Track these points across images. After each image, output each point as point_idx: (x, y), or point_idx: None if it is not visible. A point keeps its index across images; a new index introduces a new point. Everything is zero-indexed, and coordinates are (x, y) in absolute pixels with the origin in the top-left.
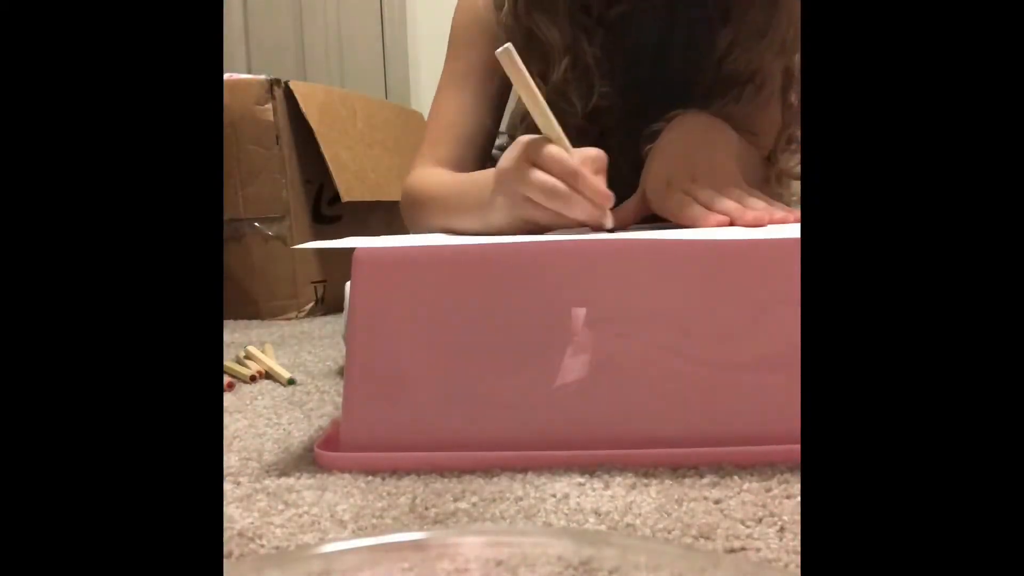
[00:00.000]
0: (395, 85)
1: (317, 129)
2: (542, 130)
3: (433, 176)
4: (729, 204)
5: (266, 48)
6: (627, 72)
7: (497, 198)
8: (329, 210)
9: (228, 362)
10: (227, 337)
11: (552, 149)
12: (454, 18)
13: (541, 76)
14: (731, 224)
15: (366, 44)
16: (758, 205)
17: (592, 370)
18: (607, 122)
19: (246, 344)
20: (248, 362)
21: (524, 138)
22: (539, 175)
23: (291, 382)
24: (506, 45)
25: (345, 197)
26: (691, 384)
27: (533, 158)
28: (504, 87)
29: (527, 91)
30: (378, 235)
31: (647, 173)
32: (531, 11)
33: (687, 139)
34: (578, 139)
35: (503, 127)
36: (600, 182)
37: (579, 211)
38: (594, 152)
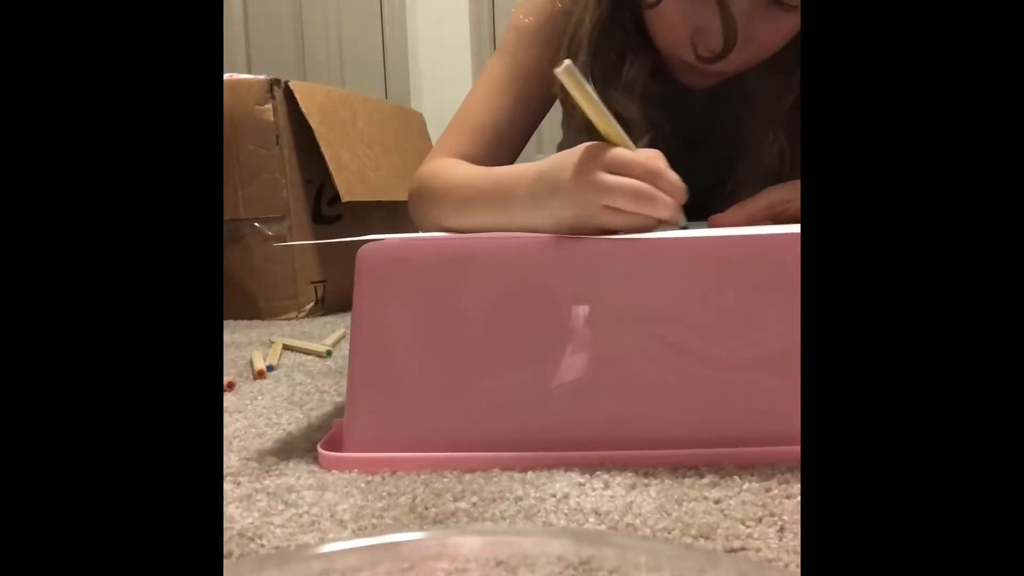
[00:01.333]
0: (395, 85)
1: (317, 129)
2: (609, 140)
3: (452, 166)
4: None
5: (266, 48)
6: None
7: (561, 206)
8: (329, 210)
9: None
10: (227, 337)
11: (626, 152)
12: (512, 19)
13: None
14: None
15: (366, 44)
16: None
17: (592, 370)
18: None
19: (246, 344)
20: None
21: (584, 146)
22: (623, 180)
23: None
24: (566, 63)
25: (345, 197)
26: (691, 384)
27: (606, 164)
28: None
29: (590, 105)
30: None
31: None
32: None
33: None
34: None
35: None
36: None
37: (664, 210)
38: (652, 152)
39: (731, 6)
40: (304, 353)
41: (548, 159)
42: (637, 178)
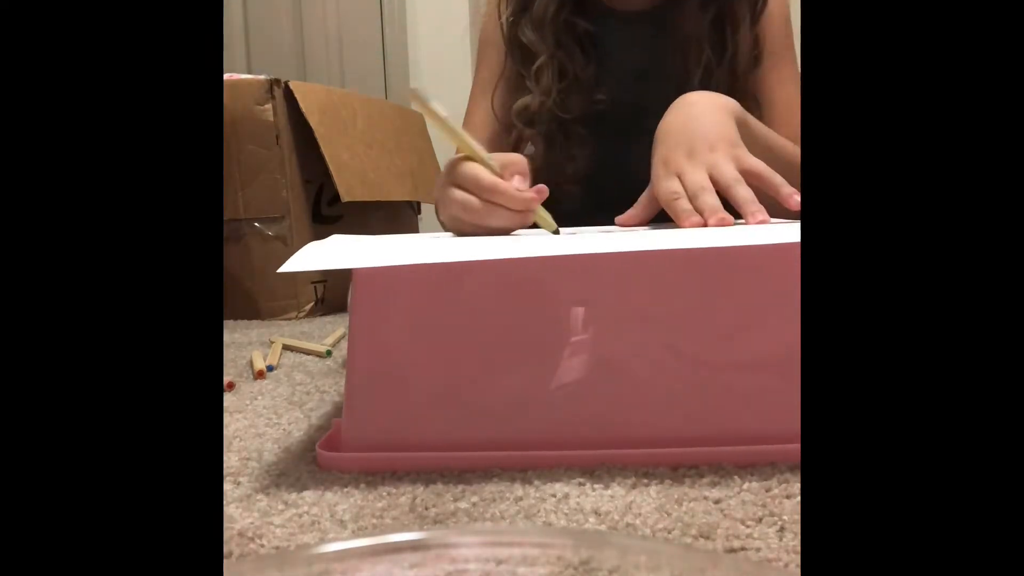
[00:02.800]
0: (395, 85)
1: (317, 129)
2: (471, 155)
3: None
4: (709, 201)
5: (266, 48)
6: (618, 84)
7: (440, 215)
8: (329, 210)
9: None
10: (227, 337)
11: (467, 168)
12: (481, 28)
13: (536, 82)
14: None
15: (366, 44)
16: (741, 196)
17: (592, 370)
18: (604, 130)
19: (246, 344)
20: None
21: (448, 163)
22: (457, 194)
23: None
24: (413, 87)
25: (345, 197)
26: (691, 384)
27: (453, 179)
28: (514, 91)
29: (439, 124)
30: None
31: (652, 159)
32: (521, 25)
33: (681, 114)
34: (578, 146)
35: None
36: (518, 187)
37: (496, 220)
38: (512, 157)
39: None
40: (304, 353)
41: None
42: (472, 193)
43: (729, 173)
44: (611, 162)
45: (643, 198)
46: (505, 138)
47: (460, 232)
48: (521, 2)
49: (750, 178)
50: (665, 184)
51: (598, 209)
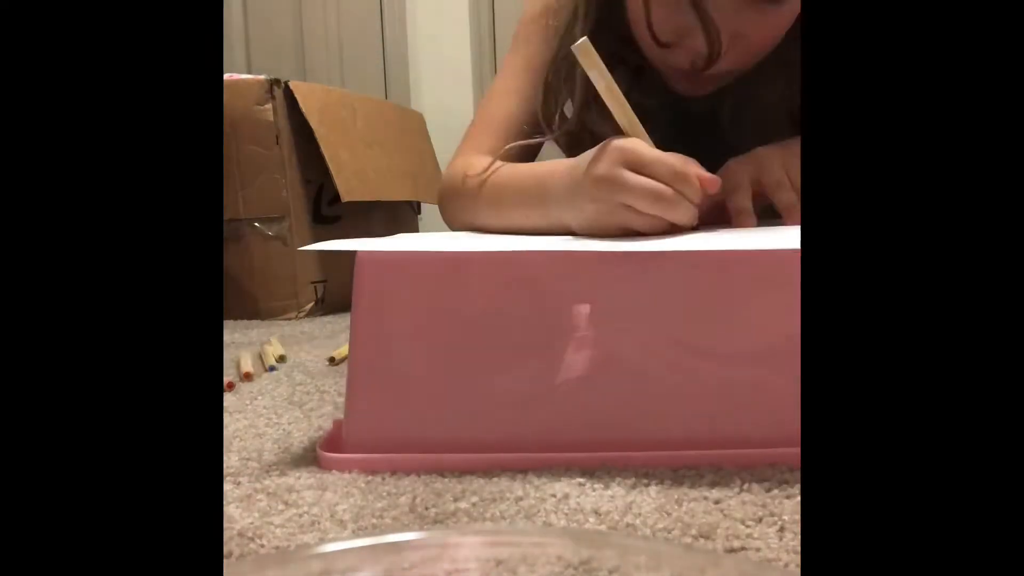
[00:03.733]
0: (395, 85)
1: (317, 129)
2: (626, 130)
3: (484, 164)
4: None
5: (266, 48)
6: (681, 133)
7: (583, 202)
8: (329, 210)
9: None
10: (227, 337)
11: (655, 152)
12: (523, 12)
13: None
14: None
15: (366, 44)
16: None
17: (592, 371)
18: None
19: (246, 344)
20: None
21: (614, 142)
22: (644, 181)
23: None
24: (582, 39)
25: (345, 197)
26: (691, 386)
27: (631, 162)
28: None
29: (607, 87)
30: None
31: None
32: (589, 116)
33: (763, 150)
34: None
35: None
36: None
37: (683, 214)
38: (677, 156)
39: (708, 7)
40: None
41: (582, 155)
42: (660, 179)
43: (775, 174)
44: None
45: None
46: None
47: (621, 224)
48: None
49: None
50: (736, 166)
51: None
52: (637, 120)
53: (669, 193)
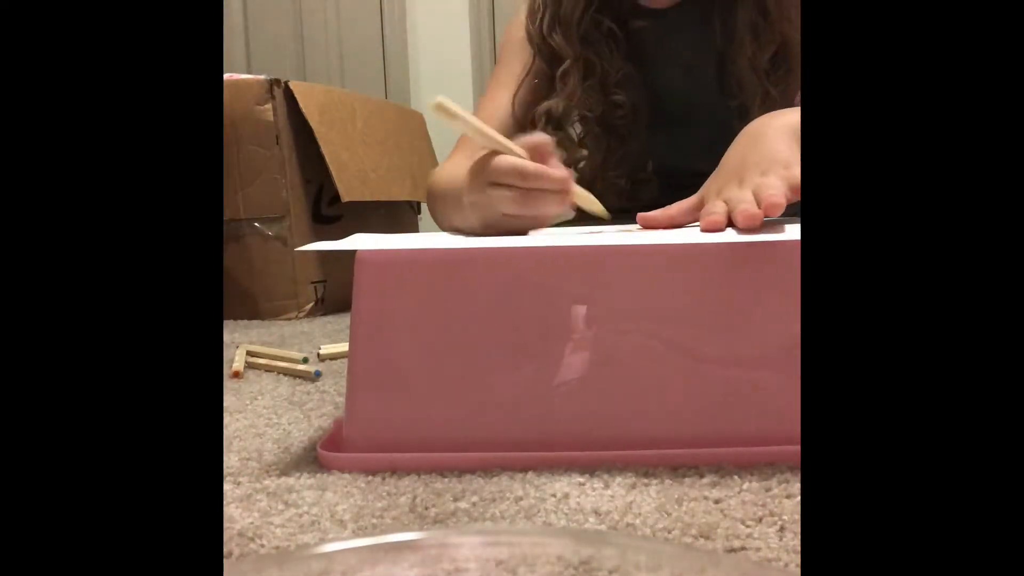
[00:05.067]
0: (395, 85)
1: (317, 129)
2: (499, 149)
3: (449, 169)
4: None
5: (266, 48)
6: (653, 81)
7: (474, 220)
8: (329, 210)
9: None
10: (227, 337)
11: (501, 160)
12: (505, 31)
13: (563, 85)
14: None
15: (366, 44)
16: (771, 186)
17: (592, 370)
18: (627, 127)
19: (246, 344)
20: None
21: (473, 163)
22: (504, 193)
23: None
24: (438, 98)
25: (345, 197)
26: (691, 384)
27: (491, 177)
28: (538, 96)
29: (475, 130)
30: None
31: (706, 186)
32: (551, 28)
33: (741, 144)
34: (619, 142)
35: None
36: (554, 167)
37: (551, 204)
38: (536, 139)
39: None
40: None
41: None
42: (518, 185)
43: (773, 187)
44: (660, 155)
45: (679, 205)
46: (518, 136)
47: (507, 229)
48: (551, 7)
49: (797, 195)
50: (708, 206)
51: (652, 204)
52: (503, 139)
53: (530, 194)
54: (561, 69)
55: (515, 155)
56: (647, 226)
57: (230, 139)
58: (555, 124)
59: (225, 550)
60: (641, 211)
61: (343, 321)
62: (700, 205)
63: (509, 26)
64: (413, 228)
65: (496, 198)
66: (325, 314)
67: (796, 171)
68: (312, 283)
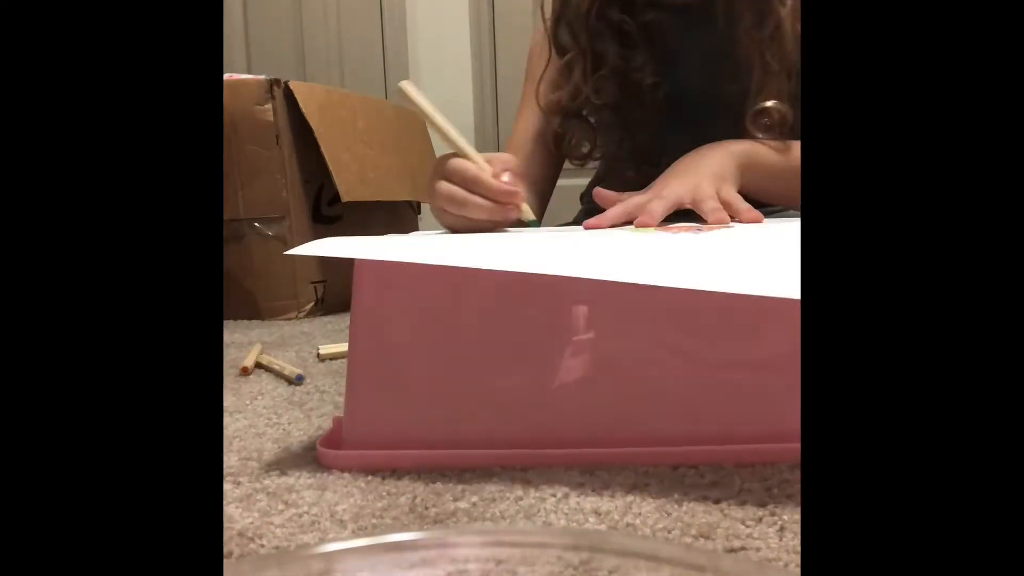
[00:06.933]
0: (395, 85)
1: (317, 129)
2: (453, 149)
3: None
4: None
5: (266, 48)
6: (671, 74)
7: (432, 210)
8: (329, 210)
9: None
10: (227, 337)
11: (454, 162)
12: (531, 41)
13: (568, 77)
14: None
15: (366, 44)
16: (709, 207)
17: (592, 369)
18: (640, 118)
19: (246, 344)
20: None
21: (438, 159)
22: (443, 186)
23: (299, 379)
24: (402, 82)
25: (345, 197)
26: (691, 383)
27: (440, 173)
28: (557, 86)
29: (428, 118)
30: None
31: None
32: (556, 22)
33: (688, 157)
34: (604, 133)
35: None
36: (503, 183)
37: (478, 212)
38: (502, 156)
39: None
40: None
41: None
42: (458, 184)
43: (705, 192)
44: (675, 149)
45: (614, 209)
46: (550, 137)
47: (447, 225)
48: (559, 5)
49: (724, 206)
50: (639, 197)
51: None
52: (460, 138)
53: (460, 195)
54: (565, 59)
55: (470, 156)
56: (602, 203)
57: (230, 139)
58: (573, 113)
59: (225, 550)
60: None
61: (343, 321)
62: (643, 204)
63: (532, 35)
64: (413, 228)
65: (440, 192)
66: (325, 314)
67: (728, 184)
68: (312, 283)
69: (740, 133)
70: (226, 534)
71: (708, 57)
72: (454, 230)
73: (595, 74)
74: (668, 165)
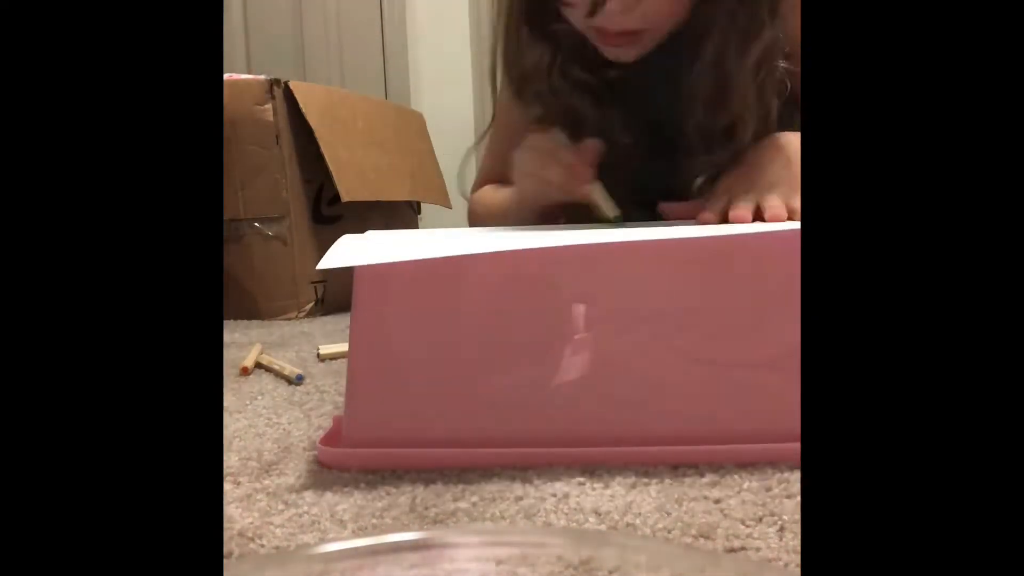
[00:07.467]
0: (395, 85)
1: (317, 129)
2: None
3: (491, 193)
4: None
5: (266, 48)
6: (642, 118)
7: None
8: (329, 210)
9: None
10: (227, 337)
11: (536, 136)
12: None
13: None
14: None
15: (366, 44)
16: (772, 203)
17: (592, 368)
18: (616, 162)
19: (246, 344)
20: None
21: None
22: (525, 152)
23: (299, 378)
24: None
25: (345, 197)
26: (691, 382)
27: (525, 146)
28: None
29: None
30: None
31: (717, 183)
32: (521, 86)
33: (759, 155)
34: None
35: None
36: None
37: (555, 175)
38: (588, 142)
39: None
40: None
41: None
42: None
43: (774, 204)
44: (657, 182)
45: (691, 203)
46: None
47: (524, 191)
48: (515, 68)
49: (794, 217)
50: (711, 204)
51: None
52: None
53: (543, 155)
54: (534, 117)
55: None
56: (670, 215)
57: (230, 139)
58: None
59: (225, 550)
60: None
61: (343, 321)
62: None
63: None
64: (413, 228)
65: (521, 158)
66: (325, 314)
67: (797, 196)
68: (312, 283)
69: (720, 156)
70: (226, 534)
71: (689, 92)
72: (527, 202)
73: (574, 132)
74: (654, 196)
